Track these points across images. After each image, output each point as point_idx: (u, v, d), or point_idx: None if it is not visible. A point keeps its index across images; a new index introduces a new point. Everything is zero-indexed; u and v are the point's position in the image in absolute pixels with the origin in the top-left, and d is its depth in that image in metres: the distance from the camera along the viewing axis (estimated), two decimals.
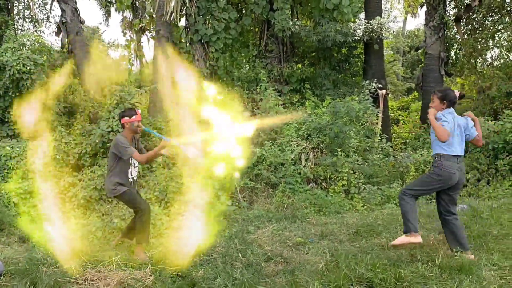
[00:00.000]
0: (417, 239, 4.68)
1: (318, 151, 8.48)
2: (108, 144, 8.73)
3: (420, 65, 15.73)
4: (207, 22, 11.69)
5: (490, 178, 8.16)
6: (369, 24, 11.60)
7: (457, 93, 4.69)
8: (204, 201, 7.17)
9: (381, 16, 12.06)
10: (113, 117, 8.79)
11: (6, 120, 9.48)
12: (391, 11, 12.33)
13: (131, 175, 5.19)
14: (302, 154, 8.28)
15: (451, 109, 4.62)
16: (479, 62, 12.71)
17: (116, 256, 5.08)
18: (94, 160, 8.77)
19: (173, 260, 4.98)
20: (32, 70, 8.84)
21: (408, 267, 4.39)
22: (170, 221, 6.40)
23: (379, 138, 9.49)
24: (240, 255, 5.13)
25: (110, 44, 35.65)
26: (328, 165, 8.10)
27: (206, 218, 6.68)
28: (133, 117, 5.10)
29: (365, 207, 7.40)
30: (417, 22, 73.44)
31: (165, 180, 7.44)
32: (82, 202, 7.73)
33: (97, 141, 8.68)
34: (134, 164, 5.21)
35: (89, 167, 8.51)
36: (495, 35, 11.99)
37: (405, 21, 33.90)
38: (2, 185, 7.57)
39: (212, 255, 5.18)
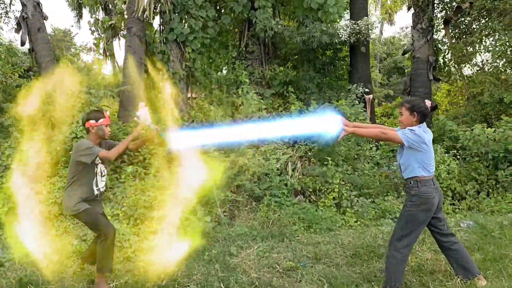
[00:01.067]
0: None
1: (305, 160, 7.74)
2: (71, 152, 7.82)
3: (407, 70, 15.26)
4: (183, 20, 10.86)
5: (490, 190, 7.57)
6: (356, 25, 10.99)
7: (428, 103, 4.01)
8: (179, 217, 6.35)
9: (367, 17, 11.47)
10: (77, 122, 7.89)
11: None
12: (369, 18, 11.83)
13: (97, 186, 4.38)
14: (289, 163, 7.52)
15: (423, 125, 3.96)
16: (469, 67, 12.25)
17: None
18: (55, 170, 7.81)
19: None
20: None
21: None
22: (139, 241, 5.54)
23: (370, 146, 8.82)
24: (222, 285, 4.33)
25: (82, 47, 34.49)
26: (317, 175, 7.38)
27: (182, 238, 5.86)
28: (100, 120, 4.33)
29: (358, 222, 6.70)
30: (393, 29, 74.33)
31: (135, 193, 6.56)
32: (39, 218, 6.76)
33: (58, 148, 7.73)
34: (101, 173, 4.41)
35: (48, 178, 7.54)
36: (484, 39, 11.54)
37: (381, 27, 33.87)
38: None
39: (188, 285, 4.36)
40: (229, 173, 7.25)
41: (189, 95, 11.13)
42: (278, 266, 4.89)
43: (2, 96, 9.34)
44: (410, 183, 3.93)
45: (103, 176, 4.46)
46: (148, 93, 11.27)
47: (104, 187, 4.51)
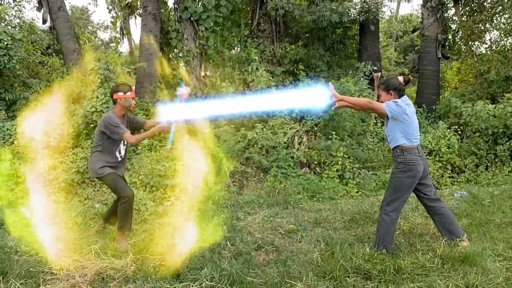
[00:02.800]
0: None
1: (312, 134, 8.14)
2: (92, 125, 8.33)
3: (416, 47, 15.35)
4: None
5: (489, 164, 7.90)
6: (365, 4, 11.18)
7: (400, 79, 4.36)
8: (191, 186, 6.85)
9: None
10: (97, 97, 8.37)
11: None
12: None
13: (120, 153, 4.81)
14: (295, 137, 7.94)
15: (404, 97, 4.31)
16: (478, 45, 12.36)
17: (96, 243, 4.76)
18: (77, 142, 8.35)
19: (156, 248, 4.67)
20: (9, 46, 8.33)
21: (407, 257, 4.11)
22: (155, 206, 6.05)
23: (374, 121, 9.15)
24: (228, 243, 4.81)
25: (99, 25, 34.91)
26: (322, 149, 7.78)
27: (193, 204, 6.36)
28: (128, 93, 4.70)
29: (359, 193, 7.11)
30: (411, 6, 72.91)
31: (151, 163, 7.06)
32: (63, 185, 7.33)
33: (80, 122, 8.26)
34: (123, 142, 4.79)
35: (71, 149, 8.09)
36: (495, 17, 11.63)
37: (398, 5, 33.50)
38: None
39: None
40: (239, 146, 7.70)
41: (202, 72, 11.52)
42: (280, 229, 5.34)
43: (25, 72, 9.87)
44: (396, 152, 4.31)
45: (125, 144, 4.85)
46: (163, 70, 11.72)
47: (125, 155, 4.95)
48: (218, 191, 6.78)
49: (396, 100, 4.23)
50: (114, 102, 4.75)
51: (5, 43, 8.22)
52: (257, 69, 9.14)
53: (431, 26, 11.84)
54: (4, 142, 7.87)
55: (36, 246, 4.79)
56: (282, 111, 8.28)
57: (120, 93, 4.67)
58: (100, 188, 7.56)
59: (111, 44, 34.81)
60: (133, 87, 4.84)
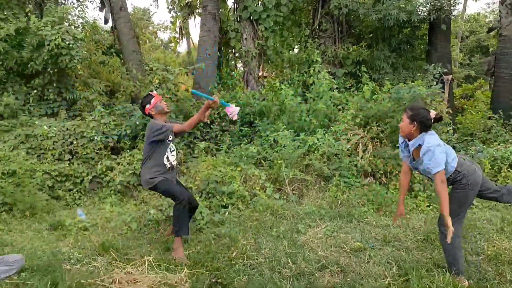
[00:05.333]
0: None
1: (377, 142, 7.57)
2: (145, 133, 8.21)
3: (491, 48, 14.25)
4: None
5: None
6: (437, 1, 10.40)
7: (432, 114, 3.70)
8: (249, 193, 6.52)
9: None
10: None
11: (45, 97, 9.13)
12: None
13: (168, 160, 4.71)
14: (359, 144, 7.40)
15: (432, 132, 3.71)
16: None
17: (150, 254, 4.52)
18: (134, 143, 8.27)
19: (212, 262, 4.36)
20: (71, 45, 8.38)
21: None
22: (210, 214, 5.76)
23: (446, 130, 8.42)
24: (289, 260, 4.41)
25: (159, 26, 35.70)
26: (388, 157, 7.20)
27: (251, 213, 6.03)
28: (152, 100, 4.67)
29: (431, 207, 6.47)
30: (478, 5, 69.34)
31: (207, 168, 6.79)
32: (119, 187, 7.24)
33: (137, 122, 8.17)
34: (171, 149, 4.73)
35: (128, 151, 8.01)
36: None
37: (465, 3, 31.74)
38: (37, 166, 7.18)
39: (257, 259, 4.49)
40: (298, 152, 7.28)
41: (260, 73, 11.22)
42: (345, 246, 4.88)
43: (86, 72, 9.98)
44: (456, 175, 3.79)
45: (173, 151, 4.76)
46: (221, 71, 11.53)
47: (175, 161, 4.83)
48: (276, 200, 6.40)
49: (430, 146, 3.60)
50: (151, 116, 4.74)
51: (67, 42, 8.27)
52: (319, 71, 8.68)
53: (510, 25, 10.85)
54: (63, 142, 7.89)
55: (90, 253, 4.64)
56: (345, 115, 7.79)
57: (147, 105, 4.68)
58: (155, 193, 7.41)
59: (170, 45, 35.56)
60: (154, 92, 4.82)
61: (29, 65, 8.72)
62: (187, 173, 7.30)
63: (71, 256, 4.52)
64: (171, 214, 4.96)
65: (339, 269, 4.30)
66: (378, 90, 8.92)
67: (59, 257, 4.45)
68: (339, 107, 8.57)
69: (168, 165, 4.69)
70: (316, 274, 4.14)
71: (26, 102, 8.86)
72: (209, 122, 8.83)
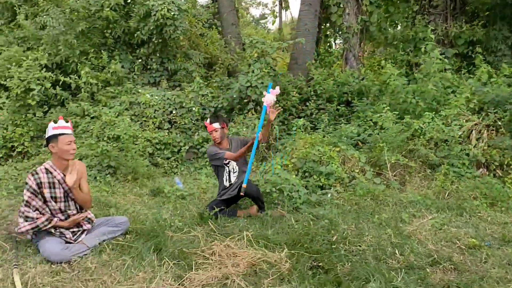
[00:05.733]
0: None
1: (493, 130, 6.82)
2: (246, 100, 8.14)
3: None
4: None
5: None
6: None
7: None
8: (347, 176, 6.20)
9: None
10: (253, 72, 8.12)
11: (148, 67, 9.40)
12: None
13: (229, 181, 5.08)
14: (473, 131, 6.71)
15: None
16: None
17: (247, 229, 4.41)
18: (230, 116, 8.25)
19: (311, 244, 4.14)
20: (176, 16, 8.48)
21: None
22: (307, 194, 5.54)
23: None
24: (397, 251, 4.07)
25: (252, 2, 35.72)
26: (506, 148, 6.46)
27: (350, 196, 5.72)
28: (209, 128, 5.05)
29: None
30: None
31: (305, 146, 6.55)
32: None
33: (234, 96, 8.12)
34: (233, 170, 5.08)
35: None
36: None
37: None
38: (139, 133, 7.41)
39: (360, 246, 4.20)
40: (402, 136, 6.80)
41: (360, 51, 10.66)
42: (458, 242, 4.41)
43: (187, 43, 10.11)
44: None
45: (235, 172, 5.06)
46: (319, 47, 11.13)
47: (237, 178, 5.04)
48: (377, 184, 6.01)
49: None
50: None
51: (172, 13, 8.37)
52: (431, 50, 7.98)
53: None
54: (164, 111, 8.07)
55: (189, 222, 4.64)
56: (459, 99, 7.10)
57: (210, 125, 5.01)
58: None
59: (261, 21, 35.45)
60: (207, 121, 5.09)
61: (135, 35, 8.99)
62: (282, 150, 7.12)
63: (172, 224, 4.55)
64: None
65: (452, 266, 3.87)
66: (493, 73, 8.06)
67: (161, 224, 4.50)
68: (450, 90, 7.85)
69: (228, 185, 5.05)
70: (427, 269, 3.76)
71: (131, 70, 9.18)
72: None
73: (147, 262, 3.59)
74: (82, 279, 3.31)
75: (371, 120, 7.70)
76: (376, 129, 7.36)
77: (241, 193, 4.63)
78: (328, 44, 11.07)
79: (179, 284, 3.27)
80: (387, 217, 5.03)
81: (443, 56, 9.43)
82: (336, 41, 11.59)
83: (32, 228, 3.68)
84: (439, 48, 8.75)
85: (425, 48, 8.00)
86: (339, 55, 10.87)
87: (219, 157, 4.93)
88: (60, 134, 3.73)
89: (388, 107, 7.46)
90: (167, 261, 3.58)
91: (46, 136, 3.77)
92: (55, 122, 3.78)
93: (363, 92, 9.01)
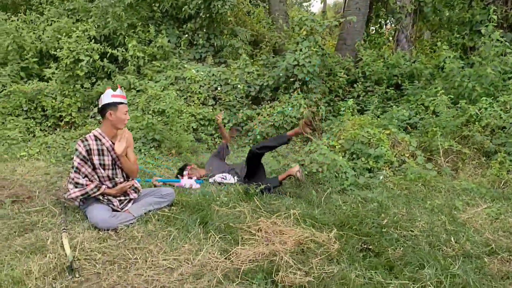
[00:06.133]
0: None
1: None
2: (292, 79, 7.95)
3: None
4: None
5: None
6: None
7: None
8: (397, 159, 5.96)
9: None
10: (300, 50, 7.90)
11: (194, 42, 9.34)
12: None
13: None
14: None
15: None
16: None
17: (293, 208, 4.30)
18: (275, 95, 8.10)
19: (360, 226, 3.99)
20: None
21: None
22: (355, 176, 5.36)
23: None
24: (452, 239, 3.86)
25: None
26: None
27: (400, 181, 5.50)
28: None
29: None
30: None
31: (353, 127, 6.34)
32: (258, 138, 7.16)
33: (280, 74, 7.95)
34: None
35: (269, 102, 7.88)
36: None
37: None
38: (184, 108, 7.38)
39: (412, 231, 4.01)
40: (456, 121, 6.47)
41: (413, 32, 10.22)
42: None
43: (234, 20, 9.97)
44: None
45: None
46: (368, 27, 10.76)
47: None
48: (428, 170, 5.76)
49: None
50: None
51: None
52: (492, 32, 7.52)
53: None
54: (209, 87, 8.01)
55: (234, 198, 4.57)
56: None
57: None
58: (293, 146, 7.21)
59: (304, 4, 34.80)
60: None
61: (183, 9, 8.91)
62: (328, 131, 6.94)
63: (217, 198, 4.50)
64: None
65: (511, 257, 3.65)
66: None
67: (207, 197, 4.45)
68: (509, 75, 7.40)
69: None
70: (485, 259, 3.55)
71: (177, 45, 9.15)
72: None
73: (193, 235, 3.55)
74: (128, 247, 3.31)
75: (422, 104, 7.38)
76: (427, 113, 7.05)
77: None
78: (379, 24, 10.65)
79: (225, 258, 3.21)
80: (440, 204, 4.80)
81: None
82: (387, 22, 11.14)
83: (82, 194, 3.69)
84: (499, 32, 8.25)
85: (485, 29, 7.55)
86: (390, 36, 10.47)
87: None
88: (119, 103, 3.72)
89: (443, 91, 7.12)
90: (213, 235, 3.53)
91: (103, 103, 3.72)
92: (114, 89, 3.76)
93: (414, 75, 8.66)
